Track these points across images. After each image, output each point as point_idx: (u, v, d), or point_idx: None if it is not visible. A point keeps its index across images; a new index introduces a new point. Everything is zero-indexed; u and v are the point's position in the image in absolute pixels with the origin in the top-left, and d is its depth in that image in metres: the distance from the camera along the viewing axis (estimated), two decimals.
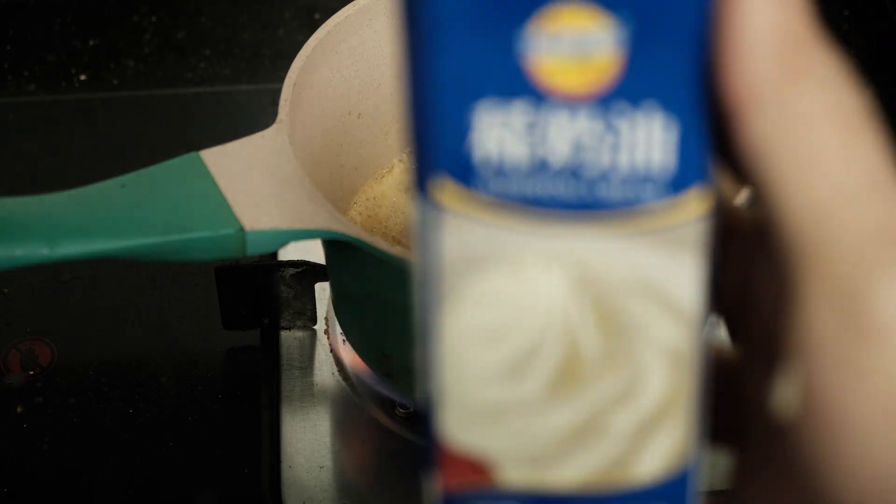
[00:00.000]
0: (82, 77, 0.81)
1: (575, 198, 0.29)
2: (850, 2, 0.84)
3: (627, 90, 0.28)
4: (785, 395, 0.28)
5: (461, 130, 0.29)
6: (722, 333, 0.34)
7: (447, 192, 0.29)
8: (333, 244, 0.59)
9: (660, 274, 0.29)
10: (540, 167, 0.29)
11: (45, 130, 0.79)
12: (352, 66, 0.63)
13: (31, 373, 0.68)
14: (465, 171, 0.29)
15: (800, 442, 0.28)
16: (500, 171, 0.29)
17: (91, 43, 0.82)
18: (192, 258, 0.55)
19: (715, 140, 0.29)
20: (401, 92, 0.29)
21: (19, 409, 0.66)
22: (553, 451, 0.31)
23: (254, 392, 0.67)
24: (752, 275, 0.31)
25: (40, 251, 0.52)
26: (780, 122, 0.27)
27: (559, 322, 0.30)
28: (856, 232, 0.27)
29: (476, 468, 0.31)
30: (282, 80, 0.60)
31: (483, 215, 0.29)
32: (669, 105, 0.28)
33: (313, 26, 0.63)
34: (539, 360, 0.30)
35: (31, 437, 0.66)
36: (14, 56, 0.82)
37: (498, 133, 0.29)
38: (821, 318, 0.27)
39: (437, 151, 0.29)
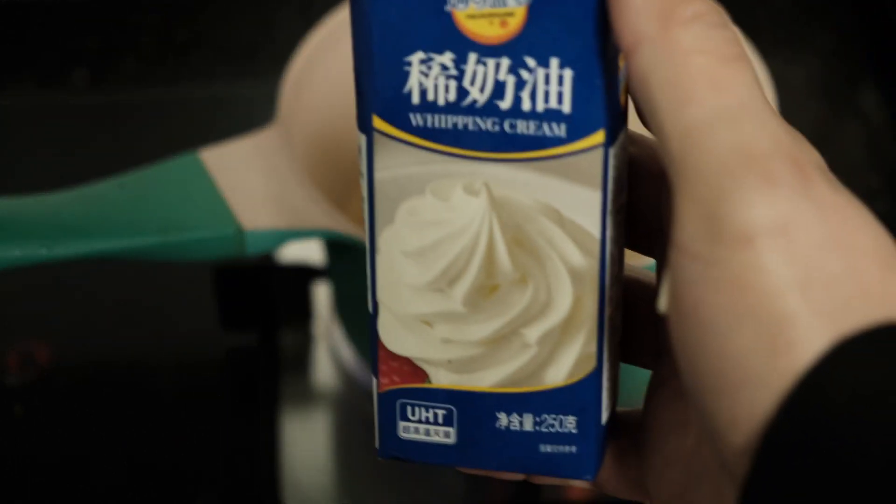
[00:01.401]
0: (82, 77, 0.81)
1: (493, 132, 0.33)
2: (850, 1, 0.84)
3: (532, 39, 0.32)
4: (663, 295, 0.31)
5: (396, 76, 0.33)
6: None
7: (383, 126, 0.34)
8: (333, 244, 0.59)
9: (561, 200, 0.34)
10: (463, 105, 0.33)
11: (45, 130, 0.79)
12: (351, 65, 0.63)
13: (31, 373, 0.68)
14: (400, 109, 0.34)
15: (671, 336, 0.31)
16: (430, 108, 0.33)
17: (91, 43, 0.82)
18: (191, 258, 0.55)
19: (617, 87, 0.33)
20: (351, 42, 0.34)
21: (19, 410, 0.66)
22: (474, 360, 0.36)
23: (253, 392, 0.67)
24: (664, 208, 0.34)
25: (39, 251, 0.52)
26: (658, 55, 0.31)
27: (477, 242, 0.34)
28: (722, 148, 0.30)
29: (408, 372, 0.36)
30: (281, 79, 0.60)
31: (411, 145, 0.34)
32: (568, 54, 0.32)
33: (312, 26, 0.63)
34: (459, 276, 0.35)
35: (31, 438, 0.66)
36: (14, 56, 0.82)
37: (429, 77, 0.33)
38: (688, 223, 0.30)
39: (376, 94, 0.34)
